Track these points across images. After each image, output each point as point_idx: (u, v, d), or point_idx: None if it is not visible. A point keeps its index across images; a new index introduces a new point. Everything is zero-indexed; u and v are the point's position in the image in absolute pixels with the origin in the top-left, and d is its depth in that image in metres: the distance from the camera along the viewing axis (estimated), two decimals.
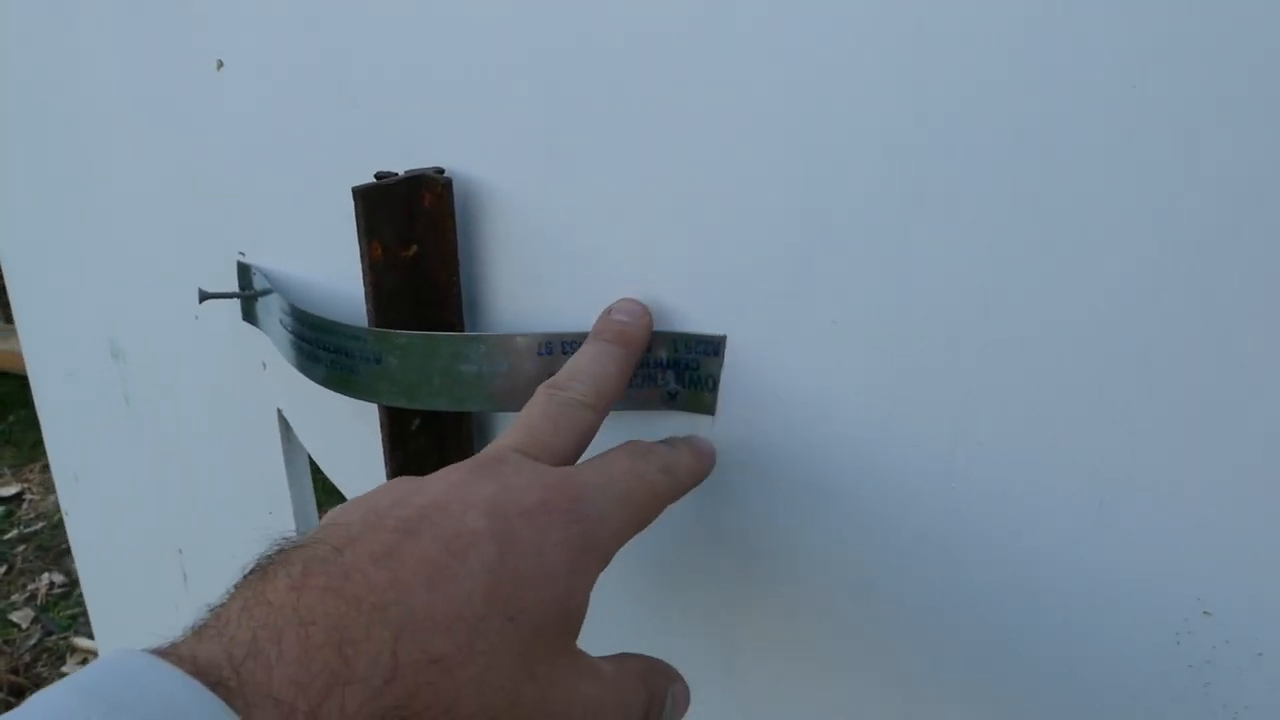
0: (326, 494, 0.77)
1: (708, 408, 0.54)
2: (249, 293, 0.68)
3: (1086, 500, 0.46)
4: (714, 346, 0.53)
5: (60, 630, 2.60)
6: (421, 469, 0.61)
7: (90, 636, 2.57)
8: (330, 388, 0.59)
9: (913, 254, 0.46)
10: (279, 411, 0.73)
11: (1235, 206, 0.40)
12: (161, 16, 0.66)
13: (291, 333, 0.62)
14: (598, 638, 0.59)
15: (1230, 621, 0.45)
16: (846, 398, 0.50)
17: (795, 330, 0.51)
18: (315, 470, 0.78)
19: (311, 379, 0.61)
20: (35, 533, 2.98)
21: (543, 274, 0.57)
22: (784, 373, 0.52)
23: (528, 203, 0.56)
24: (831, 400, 0.51)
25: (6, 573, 2.83)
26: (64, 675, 2.45)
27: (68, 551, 2.91)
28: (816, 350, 0.51)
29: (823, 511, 0.53)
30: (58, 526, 3.01)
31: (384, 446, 0.60)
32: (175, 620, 0.89)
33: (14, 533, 2.99)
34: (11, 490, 3.18)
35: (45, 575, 2.81)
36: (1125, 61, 0.40)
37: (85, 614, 2.67)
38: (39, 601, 2.72)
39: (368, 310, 0.56)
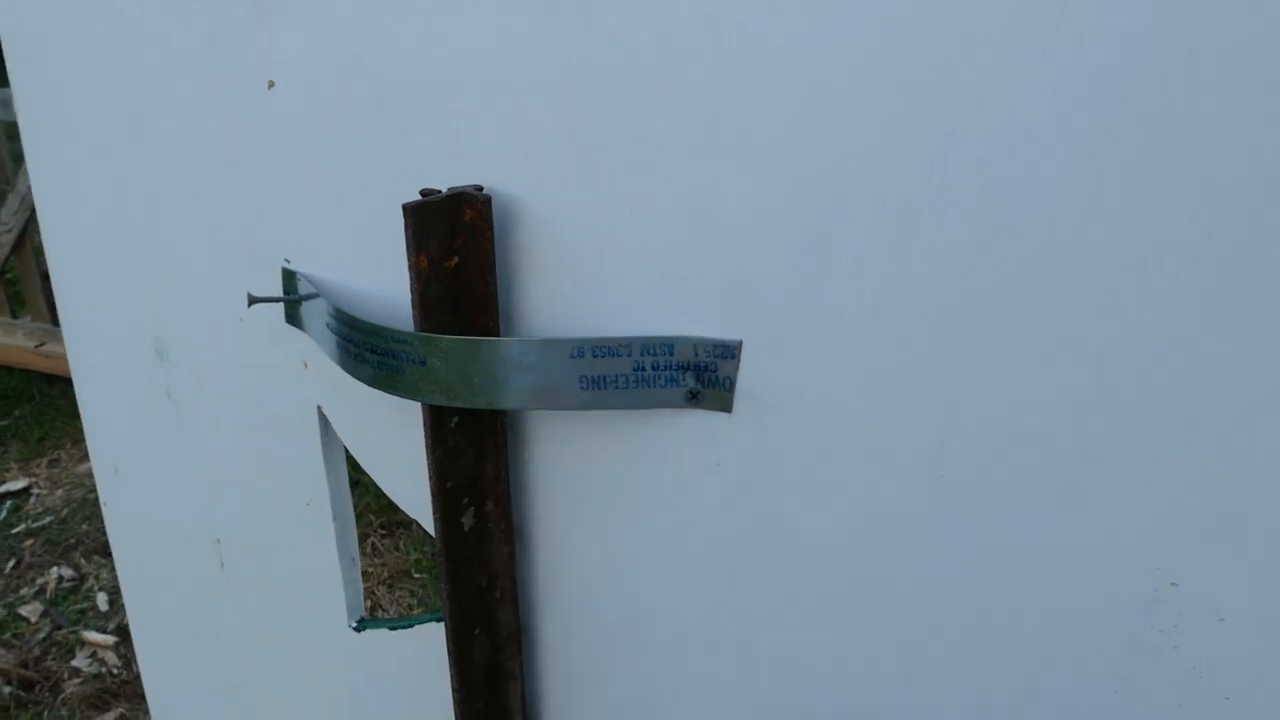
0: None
1: (725, 406, 0.60)
2: (296, 297, 0.73)
3: (1061, 484, 0.51)
4: (730, 351, 0.58)
5: (70, 624, 2.64)
6: (459, 463, 0.66)
7: (100, 630, 2.61)
8: (376, 387, 0.65)
9: (907, 267, 0.52)
10: (319, 409, 0.78)
11: (1201, 220, 0.45)
12: (221, 37, 0.71)
13: (338, 335, 0.67)
14: (631, 587, 0.64)
15: (1195, 591, 0.50)
16: (848, 394, 0.56)
17: (803, 335, 0.56)
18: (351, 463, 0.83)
19: (358, 378, 0.66)
20: (43, 527, 3.02)
21: (573, 283, 0.62)
22: (793, 374, 0.57)
23: (560, 218, 0.61)
24: (835, 397, 0.56)
25: (15, 567, 2.87)
26: (74, 668, 2.49)
27: (76, 546, 2.96)
28: (822, 353, 0.56)
29: (828, 498, 0.59)
30: (65, 521, 3.05)
31: (426, 442, 0.65)
32: (210, 606, 0.95)
33: (22, 527, 3.03)
34: (19, 485, 3.21)
35: (54, 569, 2.85)
36: (1098, 86, 0.45)
37: (94, 608, 2.71)
38: (48, 595, 2.76)
39: (414, 316, 0.61)
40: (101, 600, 2.73)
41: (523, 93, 0.59)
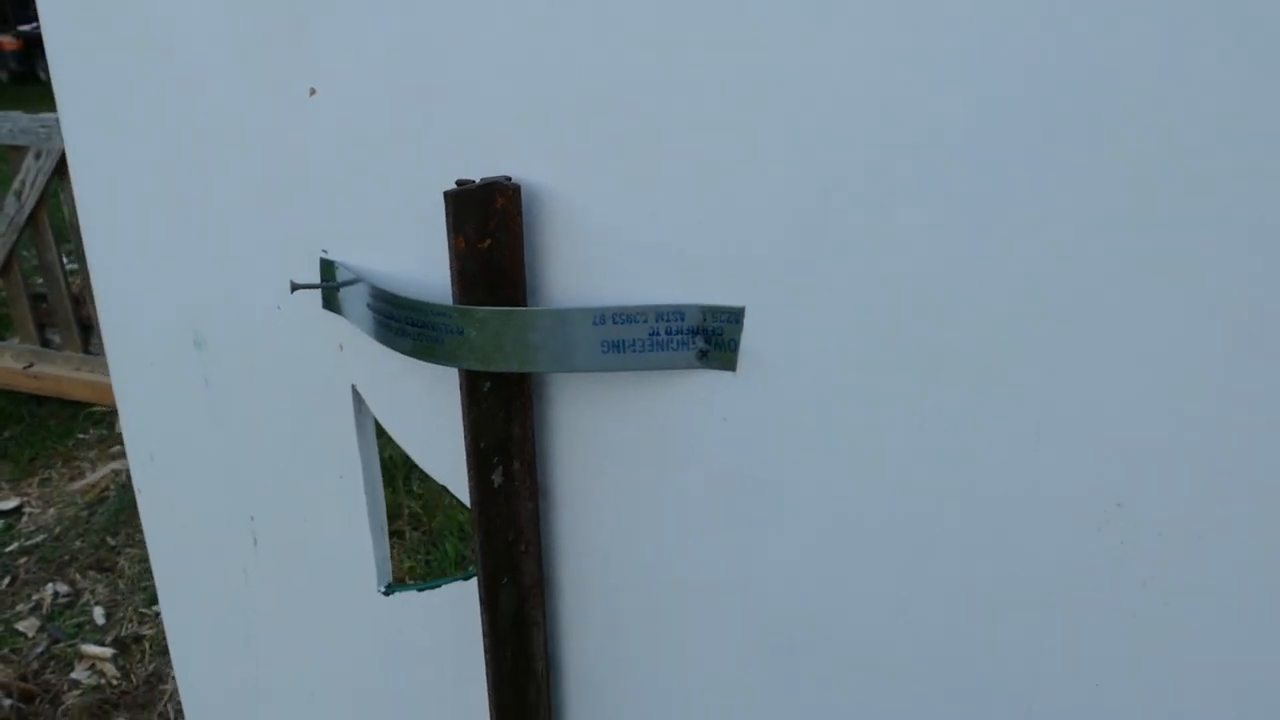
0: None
1: (730, 365, 0.68)
2: (336, 283, 0.80)
3: (1027, 426, 0.60)
4: (735, 316, 0.67)
5: (67, 638, 2.67)
6: (491, 425, 0.74)
7: (98, 643, 2.64)
8: (417, 357, 0.72)
9: (893, 239, 0.60)
10: (353, 387, 0.86)
11: (1150, 199, 0.54)
12: (264, 44, 0.79)
13: (377, 313, 0.75)
14: (645, 538, 0.72)
15: (1136, 512, 0.59)
16: (840, 353, 0.64)
17: (799, 302, 0.64)
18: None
19: (398, 350, 0.73)
20: (36, 545, 3.04)
21: (594, 260, 0.70)
22: (791, 335, 0.65)
23: (581, 203, 0.69)
24: (828, 356, 0.65)
25: (10, 584, 2.89)
26: (73, 681, 2.52)
27: (70, 562, 2.98)
28: (816, 317, 0.64)
29: (823, 446, 0.67)
30: (59, 539, 3.07)
31: (462, 405, 0.72)
32: (243, 581, 1.03)
33: (15, 545, 3.05)
34: (10, 504, 3.23)
35: (49, 585, 2.87)
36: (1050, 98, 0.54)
37: (91, 622, 2.74)
38: (44, 611, 2.78)
39: (453, 291, 0.69)
40: (98, 614, 2.76)
41: (548, 93, 0.67)
